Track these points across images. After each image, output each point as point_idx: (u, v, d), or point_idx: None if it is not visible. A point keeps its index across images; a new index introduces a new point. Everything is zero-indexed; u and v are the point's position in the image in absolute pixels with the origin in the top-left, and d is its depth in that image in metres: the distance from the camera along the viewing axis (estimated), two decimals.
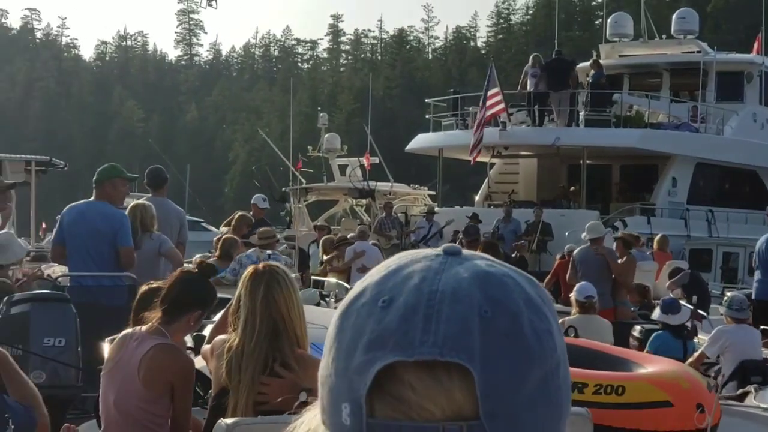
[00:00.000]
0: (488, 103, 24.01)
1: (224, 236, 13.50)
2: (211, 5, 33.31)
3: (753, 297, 12.94)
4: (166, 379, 5.33)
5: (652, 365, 7.67)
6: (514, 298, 1.08)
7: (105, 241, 9.40)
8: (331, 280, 16.68)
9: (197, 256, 13.90)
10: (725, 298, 10.86)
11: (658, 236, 20.25)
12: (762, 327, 11.14)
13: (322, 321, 6.01)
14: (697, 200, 27.45)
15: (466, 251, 1.13)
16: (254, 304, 4.62)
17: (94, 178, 9.75)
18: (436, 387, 1.05)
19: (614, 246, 14.97)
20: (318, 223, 25.91)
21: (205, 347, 4.97)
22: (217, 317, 8.18)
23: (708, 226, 26.99)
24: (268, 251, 12.96)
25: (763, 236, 13.99)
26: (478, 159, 25.46)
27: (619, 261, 14.12)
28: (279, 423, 4.37)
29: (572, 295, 10.87)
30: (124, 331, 5.60)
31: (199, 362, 5.86)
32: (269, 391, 4.46)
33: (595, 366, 7.44)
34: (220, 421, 4.26)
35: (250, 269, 4.82)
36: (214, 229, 32.76)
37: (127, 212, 9.82)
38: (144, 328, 5.48)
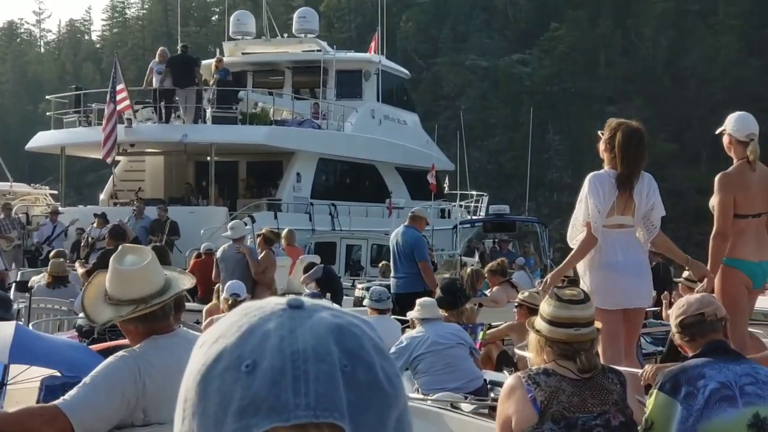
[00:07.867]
0: (117, 98, 23.53)
1: None
2: None
3: (392, 291, 12.87)
4: None
5: None
6: (366, 347, 1.13)
7: None
8: None
9: None
10: (370, 290, 11.13)
11: (285, 231, 20.21)
12: (396, 317, 11.44)
13: None
14: (321, 195, 28.23)
15: (307, 301, 1.15)
16: None
17: None
18: None
19: (257, 242, 15.03)
20: None
21: None
22: None
23: (331, 219, 27.77)
24: None
25: (394, 231, 14.11)
26: (115, 157, 25.01)
27: (260, 257, 14.19)
28: None
29: (222, 295, 10.81)
30: None
31: None
32: None
33: None
34: None
35: None
36: None
37: None
38: None
